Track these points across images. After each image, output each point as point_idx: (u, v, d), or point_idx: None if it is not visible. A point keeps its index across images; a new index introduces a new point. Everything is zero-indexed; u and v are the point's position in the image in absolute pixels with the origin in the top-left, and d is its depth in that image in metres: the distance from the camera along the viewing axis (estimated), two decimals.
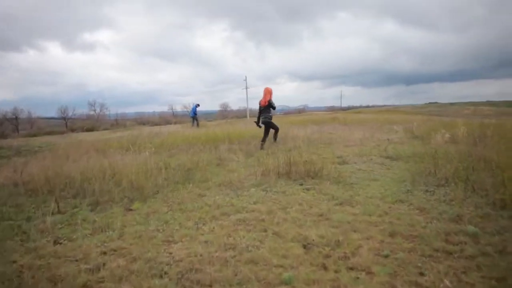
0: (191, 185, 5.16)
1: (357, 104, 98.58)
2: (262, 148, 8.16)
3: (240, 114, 64.37)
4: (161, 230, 3.51)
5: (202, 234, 3.36)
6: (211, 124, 29.04)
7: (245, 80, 60.49)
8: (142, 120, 61.52)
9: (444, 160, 5.51)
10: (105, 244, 3.24)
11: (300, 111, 73.57)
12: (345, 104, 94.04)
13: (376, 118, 18.88)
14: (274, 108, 8.48)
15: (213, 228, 3.50)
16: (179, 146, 8.87)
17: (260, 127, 8.72)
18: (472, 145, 7.19)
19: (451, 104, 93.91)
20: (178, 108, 73.82)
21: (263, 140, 8.45)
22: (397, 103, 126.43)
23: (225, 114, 71.48)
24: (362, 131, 12.02)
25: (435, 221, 3.38)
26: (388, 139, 8.85)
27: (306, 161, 5.72)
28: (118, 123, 57.04)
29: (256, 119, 8.75)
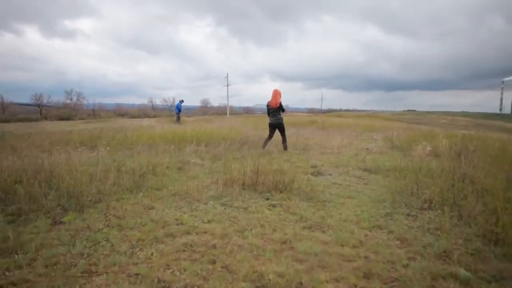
0: (141, 193, 4.47)
1: (337, 107, 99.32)
2: (264, 147, 8.27)
3: (221, 111, 63.81)
4: (85, 255, 2.83)
5: (135, 264, 2.70)
6: (189, 120, 28.16)
7: (227, 77, 59.48)
8: (121, 112, 61.01)
9: (427, 177, 5.01)
10: (6, 274, 2.53)
11: None
12: (325, 106, 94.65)
13: (355, 123, 18.54)
14: (283, 110, 8.48)
15: (151, 254, 2.84)
16: (143, 144, 8.12)
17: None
18: (455, 160, 6.75)
19: (429, 112, 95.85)
20: (158, 102, 72.97)
21: (267, 141, 8.51)
22: (376, 108, 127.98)
23: (205, 110, 70.96)
24: (341, 137, 11.54)
25: (418, 258, 2.82)
26: (367, 149, 8.35)
27: (277, 169, 5.11)
28: (96, 113, 56.18)
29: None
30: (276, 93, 8.36)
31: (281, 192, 4.55)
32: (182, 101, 23.29)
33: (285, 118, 25.12)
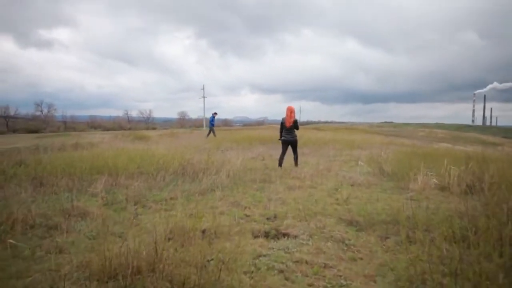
0: None
1: (316, 119, 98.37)
2: (280, 165, 7.97)
3: (199, 123, 61.94)
4: None
5: None
6: (153, 135, 25.63)
7: (203, 89, 57.25)
8: (94, 125, 59.74)
9: (448, 242, 2.91)
10: None
11: (260, 123, 72.18)
12: (304, 118, 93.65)
13: (334, 139, 16.48)
14: (297, 128, 8.38)
15: None
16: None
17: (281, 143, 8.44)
18: (476, 200, 4.76)
19: (405, 124, 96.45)
20: (134, 114, 70.96)
21: (282, 157, 8.22)
22: (354, 120, 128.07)
23: (182, 122, 69.43)
24: (317, 159, 9.46)
25: None
26: (352, 185, 6.12)
27: (204, 231, 2.90)
28: (67, 126, 54.03)
29: (279, 138, 8.54)
30: (291, 111, 8.20)
31: None
32: (216, 113, 21.43)
33: (259, 131, 22.96)
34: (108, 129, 49.21)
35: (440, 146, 25.62)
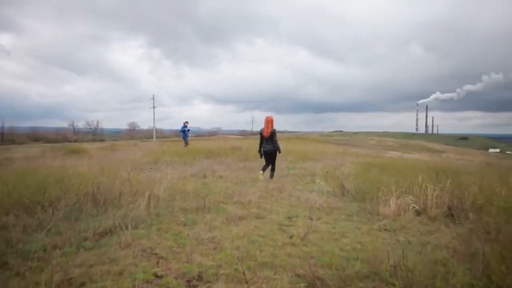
0: None
1: None
2: (272, 177, 7.83)
3: (149, 134, 59.27)
4: None
5: None
6: (92, 147, 23.20)
7: (153, 99, 54.56)
8: (36, 136, 54.74)
9: None
10: None
11: (212, 133, 70.88)
12: (257, 128, 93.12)
13: (286, 149, 15.35)
14: (274, 140, 7.99)
15: None
16: None
17: (262, 157, 8.29)
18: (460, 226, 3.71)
19: (355, 133, 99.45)
20: (80, 125, 66.51)
21: (264, 169, 8.04)
22: (305, 129, 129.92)
23: (133, 134, 66.58)
24: (267, 175, 8.19)
25: None
26: (310, 218, 4.73)
27: None
28: (5, 138, 49.26)
29: (258, 150, 8.34)
30: (268, 121, 8.03)
31: None
32: (187, 122, 19.90)
33: (208, 143, 21.43)
34: (51, 141, 45.16)
35: (392, 154, 25.67)
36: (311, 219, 4.22)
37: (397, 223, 4.12)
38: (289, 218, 4.44)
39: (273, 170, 8.06)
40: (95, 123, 66.71)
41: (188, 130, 20.34)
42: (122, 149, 21.87)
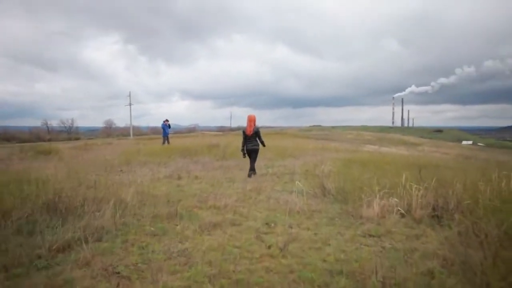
0: None
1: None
2: (250, 176, 7.74)
3: (126, 132, 57.93)
4: None
5: None
6: (65, 147, 22.32)
7: (129, 96, 53.23)
8: (7, 136, 52.72)
9: None
10: None
11: (191, 130, 69.99)
12: (235, 124, 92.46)
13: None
14: (259, 138, 8.09)
15: None
16: None
17: (245, 156, 8.27)
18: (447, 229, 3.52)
19: (333, 127, 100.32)
20: (55, 123, 64.07)
21: (251, 170, 8.02)
22: (284, 124, 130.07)
23: (109, 131, 64.89)
24: (244, 174, 7.89)
25: None
26: (290, 227, 4.35)
27: None
28: None
29: (241, 149, 8.24)
30: (250, 120, 8.05)
31: None
32: (167, 120, 19.29)
33: (185, 140, 20.93)
34: (24, 141, 43.12)
35: (370, 148, 25.84)
36: (290, 227, 3.90)
37: (381, 228, 3.88)
38: (267, 224, 4.14)
39: (253, 167, 8.11)
40: (69, 121, 64.61)
41: (169, 127, 19.77)
42: (95, 149, 21.09)
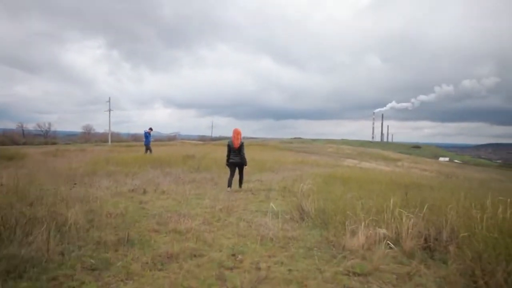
0: None
1: (229, 135, 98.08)
2: (229, 186, 7.70)
3: (105, 138, 56.47)
4: None
5: None
6: (34, 152, 21.21)
7: (109, 101, 51.88)
8: None
9: None
10: None
11: (171, 138, 68.98)
12: (217, 134, 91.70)
13: None
14: (242, 152, 7.99)
15: None
16: None
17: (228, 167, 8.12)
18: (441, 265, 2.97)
19: (313, 140, 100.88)
20: (31, 127, 61.65)
21: (230, 179, 7.89)
22: (265, 136, 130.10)
23: (88, 137, 63.41)
24: (217, 190, 7.24)
25: None
26: (261, 241, 3.71)
27: None
28: None
29: (226, 161, 8.11)
30: (237, 133, 8.07)
31: None
32: (151, 129, 18.17)
33: (164, 148, 20.06)
34: None
35: (349, 162, 25.58)
36: (258, 269, 3.24)
37: (367, 264, 3.29)
38: (233, 255, 3.49)
39: (241, 180, 8.16)
40: (46, 125, 62.28)
41: (149, 134, 18.76)
42: (66, 155, 19.97)
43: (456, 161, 72.66)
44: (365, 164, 25.56)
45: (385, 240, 3.67)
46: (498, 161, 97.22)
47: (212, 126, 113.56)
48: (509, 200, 4.33)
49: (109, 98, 51.48)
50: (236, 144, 7.93)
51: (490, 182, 16.93)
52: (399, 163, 36.37)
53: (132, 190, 7.05)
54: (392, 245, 3.66)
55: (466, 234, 3.66)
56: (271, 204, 5.06)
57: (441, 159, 72.49)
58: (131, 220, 4.63)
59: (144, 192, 6.88)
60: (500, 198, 4.69)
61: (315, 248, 3.80)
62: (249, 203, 6.15)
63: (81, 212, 4.45)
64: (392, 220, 4.07)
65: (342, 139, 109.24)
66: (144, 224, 4.46)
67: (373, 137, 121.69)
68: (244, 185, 8.11)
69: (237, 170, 8.10)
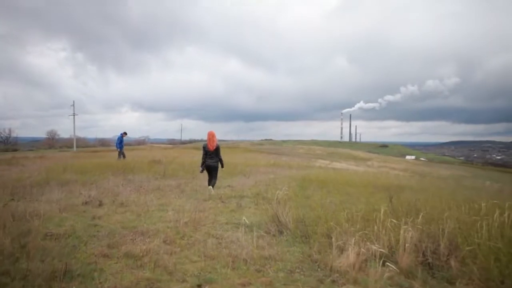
0: None
1: (199, 138, 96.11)
2: (210, 191, 7.46)
3: (70, 143, 53.79)
4: None
5: None
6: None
7: (73, 105, 49.40)
8: None
9: None
10: None
11: (140, 142, 67.12)
12: (186, 137, 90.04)
13: None
14: (218, 155, 7.94)
15: None
16: None
17: (202, 172, 8.06)
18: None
19: (283, 141, 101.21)
20: None
21: (210, 183, 7.82)
22: (235, 138, 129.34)
23: (52, 143, 60.45)
24: (184, 199, 6.51)
25: None
26: (232, 263, 3.06)
27: None
28: None
29: (201, 164, 7.96)
30: (212, 135, 7.95)
31: None
32: (125, 133, 17.38)
33: (131, 153, 18.98)
34: None
35: (321, 163, 25.38)
36: (232, 266, 2.61)
37: None
38: (199, 287, 2.83)
39: (214, 182, 7.95)
40: (6, 131, 58.71)
41: (123, 139, 17.67)
42: (22, 163, 18.39)
43: (422, 159, 74.92)
44: (337, 165, 25.45)
45: (379, 258, 3.12)
46: (460, 157, 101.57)
47: (181, 129, 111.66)
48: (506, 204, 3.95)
49: (73, 102, 49.04)
50: (211, 146, 7.85)
51: (460, 179, 17.11)
52: (369, 163, 36.73)
53: (86, 203, 6.19)
54: (388, 262, 3.12)
55: (470, 248, 3.19)
56: (244, 218, 4.41)
57: (408, 157, 74.52)
58: (76, 242, 3.85)
59: (100, 204, 6.05)
60: (495, 201, 4.32)
61: (298, 270, 3.20)
62: (219, 214, 5.47)
63: (11, 236, 3.64)
64: (383, 232, 3.54)
65: (312, 140, 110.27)
66: (92, 248, 3.70)
67: (341, 137, 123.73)
68: (214, 190, 7.44)
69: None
